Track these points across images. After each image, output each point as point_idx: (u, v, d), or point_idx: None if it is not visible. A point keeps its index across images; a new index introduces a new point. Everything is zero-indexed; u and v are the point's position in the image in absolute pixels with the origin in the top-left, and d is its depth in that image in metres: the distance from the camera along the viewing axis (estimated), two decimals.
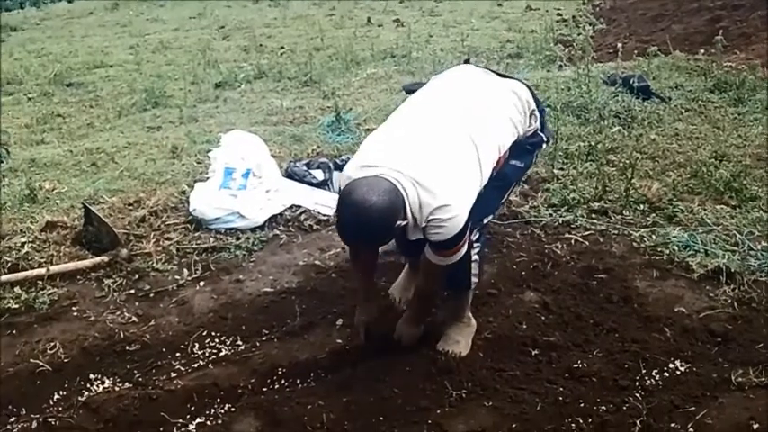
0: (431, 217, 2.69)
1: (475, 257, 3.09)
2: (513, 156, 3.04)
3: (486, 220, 3.09)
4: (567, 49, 7.59)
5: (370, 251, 3.14)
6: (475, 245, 3.05)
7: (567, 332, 3.34)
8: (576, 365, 3.11)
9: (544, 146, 3.21)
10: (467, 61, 6.63)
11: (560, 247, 4.02)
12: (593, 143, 5.16)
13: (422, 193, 2.66)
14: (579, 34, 7.14)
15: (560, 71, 7.08)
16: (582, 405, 2.90)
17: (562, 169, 4.90)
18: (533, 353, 3.21)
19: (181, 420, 2.86)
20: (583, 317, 3.43)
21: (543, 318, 3.43)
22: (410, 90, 6.53)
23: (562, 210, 4.38)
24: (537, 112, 3.08)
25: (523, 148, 3.08)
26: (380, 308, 3.31)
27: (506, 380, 3.04)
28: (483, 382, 3.03)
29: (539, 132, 3.12)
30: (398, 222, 2.65)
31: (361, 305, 3.24)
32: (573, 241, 4.07)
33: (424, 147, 2.76)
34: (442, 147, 2.77)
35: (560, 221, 4.27)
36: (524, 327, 3.36)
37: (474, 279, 3.16)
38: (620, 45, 6.62)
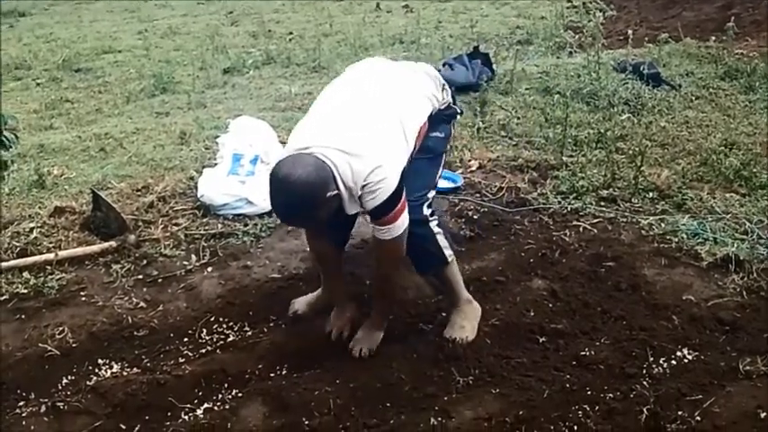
0: (364, 182, 2.75)
1: (437, 230, 3.12)
2: (432, 128, 3.13)
3: (430, 194, 3.13)
4: (577, 36, 7.56)
5: (314, 231, 3.18)
6: (431, 219, 3.11)
7: (574, 320, 3.33)
8: (583, 353, 3.11)
9: (458, 117, 3.35)
10: (476, 48, 6.59)
11: (569, 234, 4.01)
12: (602, 130, 5.13)
13: (352, 160, 2.74)
14: (589, 21, 7.09)
15: (570, 58, 7.05)
16: (589, 393, 2.90)
17: (571, 156, 4.88)
18: (541, 340, 3.21)
19: (188, 405, 2.87)
20: (591, 304, 3.42)
21: (551, 305, 3.43)
22: None
23: (571, 197, 4.37)
24: (447, 87, 3.24)
25: (441, 120, 3.18)
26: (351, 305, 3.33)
27: (513, 367, 3.04)
28: (490, 369, 3.03)
29: (452, 105, 3.25)
30: (329, 193, 2.71)
31: (335, 305, 3.32)
32: (581, 229, 4.06)
33: (349, 120, 2.88)
34: (366, 118, 2.89)
35: (569, 209, 4.25)
36: (532, 314, 3.36)
37: (447, 252, 3.18)
38: (630, 32, 6.59)
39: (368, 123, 2.86)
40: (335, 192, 2.74)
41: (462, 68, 6.14)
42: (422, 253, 3.11)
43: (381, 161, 2.77)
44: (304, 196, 2.68)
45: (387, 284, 3.18)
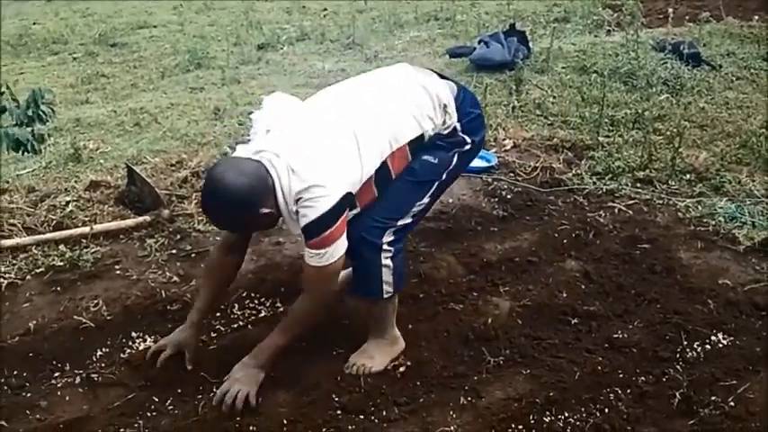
0: (298, 197, 2.57)
1: (386, 262, 2.79)
2: (425, 152, 2.88)
3: (401, 222, 2.83)
4: (615, 14, 7.45)
5: (231, 240, 2.94)
6: (386, 247, 2.79)
7: (607, 302, 3.31)
8: (615, 336, 3.08)
9: (467, 147, 2.96)
10: (512, 26, 6.52)
11: (603, 215, 3.97)
12: (639, 110, 5.07)
13: (293, 177, 2.57)
14: None
15: (608, 36, 6.94)
16: (621, 375, 2.88)
17: (607, 136, 4.82)
18: (573, 322, 3.18)
19: (220, 380, 2.89)
20: (624, 287, 3.39)
21: (584, 287, 3.40)
22: (454, 54, 6.52)
23: (606, 178, 4.32)
24: (451, 108, 2.88)
25: (437, 145, 2.90)
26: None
27: (545, 348, 3.03)
28: (521, 349, 3.02)
29: (460, 133, 2.93)
30: (262, 210, 2.57)
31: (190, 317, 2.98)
32: (616, 210, 4.01)
33: (306, 135, 2.69)
34: (321, 136, 2.68)
35: (604, 190, 4.21)
36: (564, 295, 3.34)
37: (387, 288, 2.83)
38: (670, 10, 6.49)
39: (321, 144, 2.66)
40: (269, 210, 2.59)
41: (498, 46, 6.07)
42: (360, 275, 2.87)
43: (321, 181, 2.56)
44: (229, 204, 2.56)
45: (303, 317, 2.80)
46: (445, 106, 2.87)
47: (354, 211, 2.75)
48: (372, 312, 2.98)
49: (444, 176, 2.93)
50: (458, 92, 2.96)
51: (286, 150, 2.62)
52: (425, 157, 2.87)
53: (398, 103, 2.82)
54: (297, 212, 2.60)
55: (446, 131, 2.90)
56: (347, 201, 2.62)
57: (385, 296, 2.86)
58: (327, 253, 2.61)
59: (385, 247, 2.79)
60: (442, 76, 3.02)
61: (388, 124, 2.78)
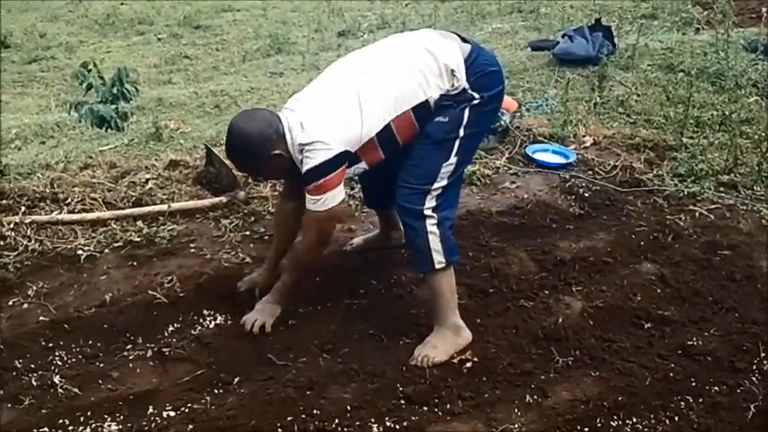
0: (301, 148, 2.83)
1: (432, 229, 2.91)
2: (436, 113, 2.93)
3: (436, 185, 2.92)
4: (705, 12, 7.25)
5: (286, 190, 3.26)
6: (429, 213, 2.91)
7: (683, 308, 3.23)
8: (690, 343, 3.01)
9: (476, 101, 2.93)
10: (598, 20, 6.39)
11: (683, 219, 3.86)
12: (727, 112, 4.92)
13: (301, 132, 2.84)
14: None
15: (697, 35, 6.76)
16: (693, 384, 2.81)
17: (692, 138, 4.69)
18: (646, 326, 3.12)
19: (286, 362, 2.92)
20: (701, 293, 3.31)
21: (659, 291, 3.33)
22: (536, 47, 6.42)
23: (688, 180, 4.21)
24: (459, 72, 2.91)
25: (445, 105, 2.92)
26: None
27: (615, 351, 2.98)
28: (591, 351, 2.97)
29: (468, 91, 2.93)
30: (273, 152, 2.85)
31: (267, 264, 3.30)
32: (697, 214, 3.91)
33: (318, 96, 2.95)
34: (329, 97, 2.91)
35: (685, 192, 4.10)
36: (638, 299, 3.27)
37: (438, 258, 2.93)
38: (764, 9, 6.25)
39: (327, 101, 2.90)
40: (280, 152, 2.86)
41: (582, 41, 5.97)
42: (412, 248, 3.01)
43: (321, 137, 2.80)
44: (243, 146, 2.90)
45: (302, 256, 3.09)
46: (453, 71, 2.91)
47: (362, 165, 2.97)
48: (432, 292, 3.03)
49: (462, 133, 2.94)
50: (470, 52, 2.97)
51: (302, 108, 2.92)
52: (437, 119, 2.94)
53: (404, 70, 2.92)
54: (301, 161, 2.86)
55: (455, 93, 2.93)
56: (344, 157, 2.85)
57: (437, 266, 2.94)
58: (323, 199, 2.86)
59: (428, 213, 2.92)
60: (464, 39, 3.05)
61: (392, 90, 2.90)
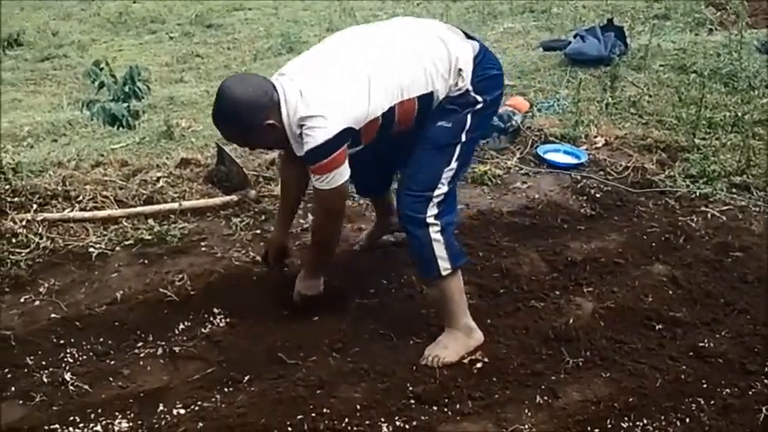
0: (301, 123, 2.70)
1: (436, 237, 2.87)
2: (438, 117, 2.88)
3: (437, 192, 2.87)
4: (718, 13, 7.22)
5: (286, 155, 3.09)
6: (432, 221, 2.87)
7: (694, 309, 3.21)
8: (701, 344, 3.00)
9: (479, 106, 2.89)
10: (610, 20, 6.37)
11: (695, 220, 3.85)
12: (739, 114, 4.90)
13: (300, 103, 2.70)
14: None
15: (710, 35, 6.74)
16: (704, 386, 2.80)
17: (704, 139, 4.67)
18: (657, 327, 3.11)
19: (296, 361, 2.92)
20: (713, 295, 3.29)
21: (671, 292, 3.31)
22: (548, 47, 6.41)
23: (700, 181, 4.19)
24: (466, 72, 2.85)
25: (449, 109, 2.88)
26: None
27: (626, 352, 2.96)
28: (602, 352, 2.96)
29: (471, 93, 2.88)
30: (266, 122, 2.71)
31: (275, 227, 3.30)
32: (709, 215, 3.89)
33: (323, 66, 2.81)
34: (335, 70, 2.79)
35: (697, 194, 4.08)
36: (650, 300, 3.25)
37: (443, 264, 2.89)
38: None
39: (333, 76, 2.76)
40: (272, 122, 2.72)
41: (594, 41, 5.95)
42: (417, 256, 2.97)
43: (323, 112, 2.68)
44: (232, 112, 2.72)
45: (319, 235, 3.06)
46: (460, 70, 2.85)
47: (358, 148, 2.85)
48: (440, 297, 3.01)
49: (464, 138, 2.91)
50: (479, 51, 2.94)
51: (302, 76, 2.78)
52: (439, 123, 2.88)
53: (416, 55, 2.84)
54: (300, 136, 2.74)
55: (457, 93, 2.88)
56: (347, 134, 2.73)
57: (443, 273, 2.90)
58: (329, 178, 2.76)
59: (431, 221, 2.87)
60: (469, 36, 2.99)
61: (401, 72, 2.81)
